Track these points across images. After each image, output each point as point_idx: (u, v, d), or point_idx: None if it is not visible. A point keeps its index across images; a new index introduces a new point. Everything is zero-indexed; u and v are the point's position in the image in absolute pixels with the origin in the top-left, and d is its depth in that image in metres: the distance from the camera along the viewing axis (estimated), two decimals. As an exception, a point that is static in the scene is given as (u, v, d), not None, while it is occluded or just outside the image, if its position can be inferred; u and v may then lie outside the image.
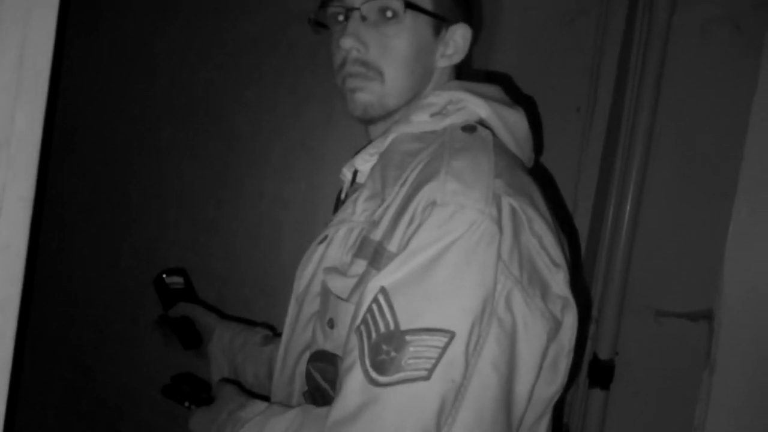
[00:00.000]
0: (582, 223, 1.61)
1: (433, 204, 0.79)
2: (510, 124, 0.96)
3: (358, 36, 0.93)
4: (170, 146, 1.77)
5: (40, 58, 0.68)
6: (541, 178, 0.98)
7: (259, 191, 1.72)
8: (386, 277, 0.78)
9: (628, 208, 1.53)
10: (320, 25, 1.00)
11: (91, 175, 1.83)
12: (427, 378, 0.75)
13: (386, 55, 0.93)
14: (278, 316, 1.04)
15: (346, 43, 0.92)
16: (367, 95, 0.94)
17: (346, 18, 0.94)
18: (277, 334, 1.26)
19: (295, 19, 1.59)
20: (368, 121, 0.98)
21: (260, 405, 0.93)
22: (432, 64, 0.98)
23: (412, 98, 0.97)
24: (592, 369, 1.56)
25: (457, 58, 0.99)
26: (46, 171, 1.71)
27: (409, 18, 0.93)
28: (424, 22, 0.94)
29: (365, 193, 0.91)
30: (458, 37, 0.98)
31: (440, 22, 0.96)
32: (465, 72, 1.04)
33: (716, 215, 1.45)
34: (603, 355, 1.54)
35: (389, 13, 0.92)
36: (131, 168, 1.80)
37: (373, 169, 0.94)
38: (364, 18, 0.93)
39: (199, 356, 1.30)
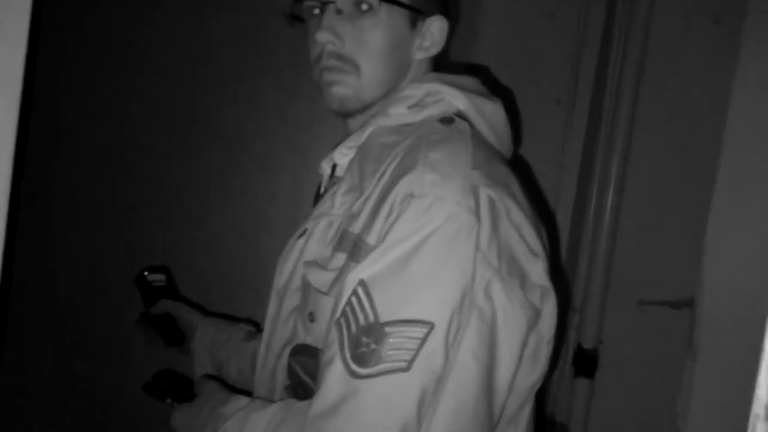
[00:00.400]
0: (564, 214, 1.62)
1: (410, 196, 0.79)
2: (488, 116, 0.97)
3: (333, 29, 0.93)
4: (154, 143, 1.76)
5: (12, 55, 0.67)
6: (520, 168, 0.98)
7: (244, 188, 1.71)
8: (365, 270, 0.78)
9: (610, 198, 1.54)
10: (296, 19, 0.99)
11: (75, 173, 1.82)
12: (407, 369, 0.75)
13: (362, 49, 0.93)
14: (263, 313, 1.04)
15: (322, 36, 0.92)
16: (343, 89, 0.95)
17: (322, 11, 0.94)
18: (260, 330, 1.25)
19: (279, 15, 1.59)
20: (345, 115, 0.98)
21: (242, 400, 0.92)
22: (408, 57, 0.98)
23: (389, 91, 0.97)
24: (576, 358, 1.57)
25: (434, 50, 0.99)
26: (21, 168, 1.70)
27: (385, 11, 0.93)
28: (399, 15, 0.94)
29: (344, 187, 0.91)
30: (435, 30, 0.98)
31: (416, 14, 0.96)
32: (443, 64, 1.04)
33: (697, 204, 1.46)
34: (587, 345, 1.55)
35: (364, 6, 0.92)
36: (115, 165, 1.79)
37: (351, 162, 0.94)
38: (339, 11, 0.93)
39: (183, 353, 1.29)
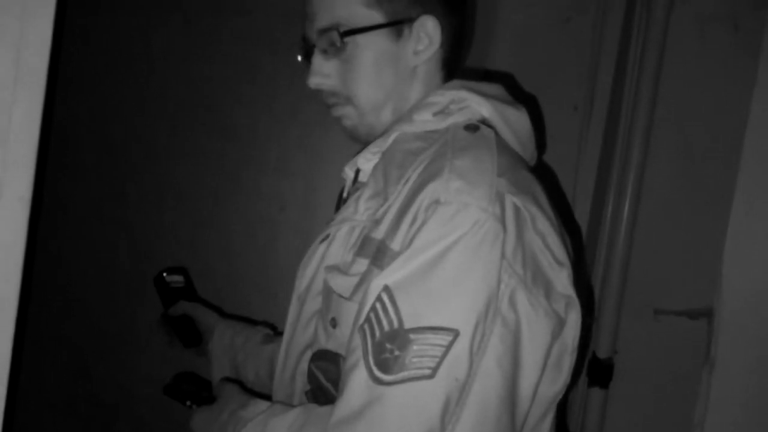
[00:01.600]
0: (580, 222, 1.61)
1: (436, 202, 0.79)
2: (512, 123, 0.96)
3: (321, 71, 0.97)
4: (168, 145, 1.77)
5: (37, 56, 0.67)
6: (544, 176, 0.98)
7: (256, 190, 1.71)
8: (390, 276, 0.78)
9: (626, 206, 1.53)
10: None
11: (89, 174, 1.83)
12: (431, 377, 0.74)
13: (348, 80, 0.96)
14: (278, 315, 1.03)
15: (311, 82, 0.98)
16: (347, 121, 0.99)
17: (311, 55, 0.98)
18: (278, 332, 1.25)
19: (293, 18, 1.59)
20: (367, 142, 0.99)
21: (262, 404, 0.92)
22: (406, 65, 0.97)
23: (400, 102, 0.98)
24: (591, 368, 1.56)
25: (433, 49, 0.97)
26: (44, 170, 1.70)
27: (359, 39, 0.94)
28: (375, 36, 0.94)
29: (367, 192, 0.91)
30: (429, 29, 0.96)
31: (396, 26, 0.95)
32: (461, 58, 1.04)
33: (715, 213, 1.45)
34: (602, 354, 1.54)
35: (338, 44, 0.94)
36: (129, 167, 1.80)
37: (375, 167, 0.94)
38: (324, 51, 0.96)
39: (200, 355, 1.29)
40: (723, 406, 1.35)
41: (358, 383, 0.76)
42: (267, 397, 0.98)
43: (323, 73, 0.97)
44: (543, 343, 0.81)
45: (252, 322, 1.38)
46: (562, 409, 1.51)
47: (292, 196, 1.69)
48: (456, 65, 1.03)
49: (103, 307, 1.80)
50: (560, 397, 0.89)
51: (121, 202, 1.80)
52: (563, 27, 1.62)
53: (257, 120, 1.71)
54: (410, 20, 0.95)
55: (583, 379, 1.57)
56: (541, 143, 1.09)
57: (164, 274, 1.34)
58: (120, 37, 1.80)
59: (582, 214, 1.62)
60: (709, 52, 1.51)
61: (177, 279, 1.35)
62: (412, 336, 0.75)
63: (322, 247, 0.94)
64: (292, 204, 1.69)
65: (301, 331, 0.96)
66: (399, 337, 0.75)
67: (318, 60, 0.97)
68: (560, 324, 0.83)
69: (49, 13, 0.68)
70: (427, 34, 0.96)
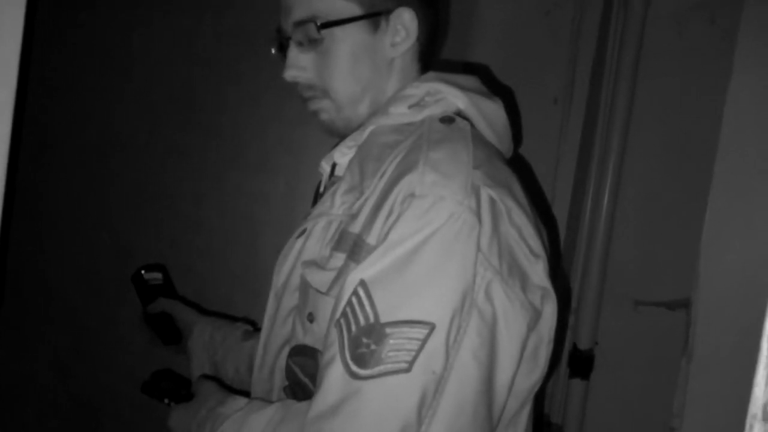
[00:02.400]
0: (560, 214, 1.62)
1: (411, 195, 0.79)
2: (488, 115, 0.96)
3: (297, 64, 0.96)
4: (149, 143, 1.75)
5: (8, 53, 0.66)
6: (520, 168, 0.98)
7: (238, 188, 1.71)
8: (366, 270, 0.78)
9: (606, 198, 1.55)
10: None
11: (70, 172, 1.81)
12: (407, 370, 0.74)
13: (325, 73, 0.95)
14: (259, 312, 1.03)
15: (288, 75, 0.97)
16: (324, 114, 0.99)
17: (284, 48, 0.98)
18: (257, 328, 1.25)
19: (275, 15, 1.58)
20: (344, 136, 0.98)
21: (240, 401, 0.92)
22: (383, 58, 0.97)
23: (377, 95, 0.97)
24: (572, 359, 1.57)
25: (410, 41, 0.97)
26: (15, 168, 1.68)
27: (336, 31, 0.93)
28: (352, 28, 0.94)
29: (344, 186, 0.91)
30: (405, 21, 0.96)
31: (373, 18, 0.95)
32: (436, 50, 1.03)
33: (693, 205, 1.46)
34: (583, 345, 1.55)
35: (314, 36, 0.94)
36: (110, 165, 1.78)
37: (351, 161, 0.93)
38: (300, 44, 0.96)
39: (179, 352, 1.29)
40: (701, 395, 1.37)
41: (334, 378, 0.76)
42: (246, 394, 0.98)
43: (299, 66, 0.96)
44: (519, 335, 0.81)
45: (233, 319, 1.37)
46: (540, 400, 1.52)
47: (274, 194, 1.68)
48: (431, 57, 1.03)
49: (83, 305, 1.79)
50: (537, 388, 0.89)
51: (102, 200, 1.79)
52: (543, 20, 1.63)
53: (238, 118, 1.70)
54: (387, 12, 0.95)
55: (564, 370, 1.58)
56: (517, 135, 1.09)
57: (142, 272, 1.33)
58: (101, 35, 1.78)
59: (562, 207, 1.63)
60: (686, 45, 1.52)
61: (155, 276, 1.34)
62: (388, 330, 0.75)
63: (299, 243, 0.94)
64: (274, 202, 1.68)
65: (279, 326, 0.95)
66: (375, 331, 0.75)
67: (294, 53, 0.96)
68: (536, 316, 0.83)
69: (19, 10, 0.67)
70: (404, 26, 0.96)
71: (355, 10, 0.93)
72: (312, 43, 0.94)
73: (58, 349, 1.82)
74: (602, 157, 1.55)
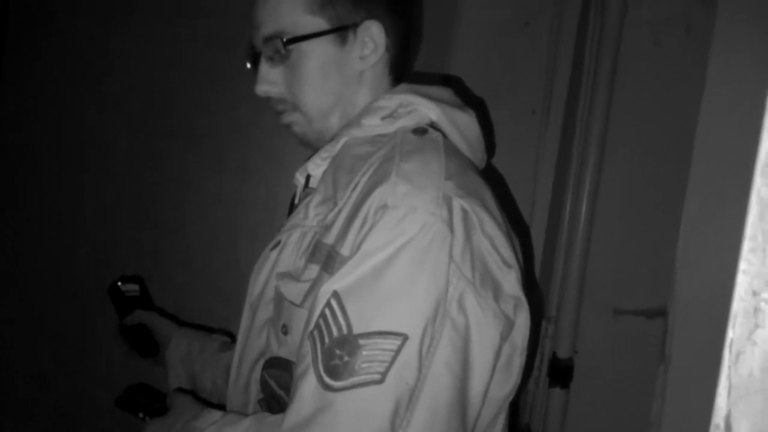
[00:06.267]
0: (539, 224, 1.63)
1: (384, 207, 0.79)
2: (461, 126, 0.97)
3: (267, 79, 0.98)
4: (127, 149, 1.74)
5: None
6: (493, 179, 0.98)
7: (217, 194, 1.70)
8: (338, 281, 0.78)
9: (584, 208, 1.55)
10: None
11: (46, 179, 1.80)
12: (380, 381, 0.74)
13: (294, 87, 0.96)
14: (237, 322, 1.03)
15: (259, 90, 0.98)
16: (296, 128, 1.00)
17: (255, 63, 0.99)
18: (235, 340, 1.24)
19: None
20: (317, 147, 0.99)
21: (215, 414, 0.91)
22: (352, 71, 0.98)
23: (347, 108, 0.98)
24: (552, 368, 1.57)
25: (379, 53, 0.98)
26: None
27: (303, 46, 0.94)
28: (319, 43, 0.95)
29: (317, 198, 0.91)
30: (374, 33, 0.97)
31: (341, 32, 0.95)
32: (409, 61, 1.04)
33: (670, 214, 1.48)
34: (562, 354, 1.56)
35: (283, 52, 0.95)
36: (87, 171, 1.77)
37: (325, 173, 0.94)
38: (270, 59, 0.97)
39: (157, 364, 1.28)
40: (678, 403, 1.37)
41: (308, 390, 0.76)
42: (222, 407, 0.98)
43: (270, 81, 0.97)
44: (492, 344, 0.82)
45: (212, 329, 1.36)
46: (515, 409, 1.52)
47: (254, 200, 1.68)
48: (404, 69, 1.03)
49: (61, 314, 1.77)
50: (511, 397, 0.89)
51: (80, 208, 1.77)
52: (520, 32, 1.64)
53: (218, 124, 1.70)
54: (354, 26, 0.96)
55: (544, 379, 1.58)
56: (490, 146, 1.10)
57: (119, 284, 1.32)
58: (79, 41, 1.77)
59: (541, 216, 1.64)
60: (662, 55, 1.53)
61: (132, 288, 1.33)
62: (361, 341, 0.75)
63: (274, 254, 0.94)
64: (254, 208, 1.68)
65: (254, 339, 0.95)
66: (348, 342, 0.75)
67: (264, 68, 0.97)
68: (509, 325, 0.84)
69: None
70: (372, 38, 0.97)
71: (322, 25, 0.94)
72: (280, 58, 0.95)
73: (36, 359, 1.80)
74: (580, 167, 1.56)
